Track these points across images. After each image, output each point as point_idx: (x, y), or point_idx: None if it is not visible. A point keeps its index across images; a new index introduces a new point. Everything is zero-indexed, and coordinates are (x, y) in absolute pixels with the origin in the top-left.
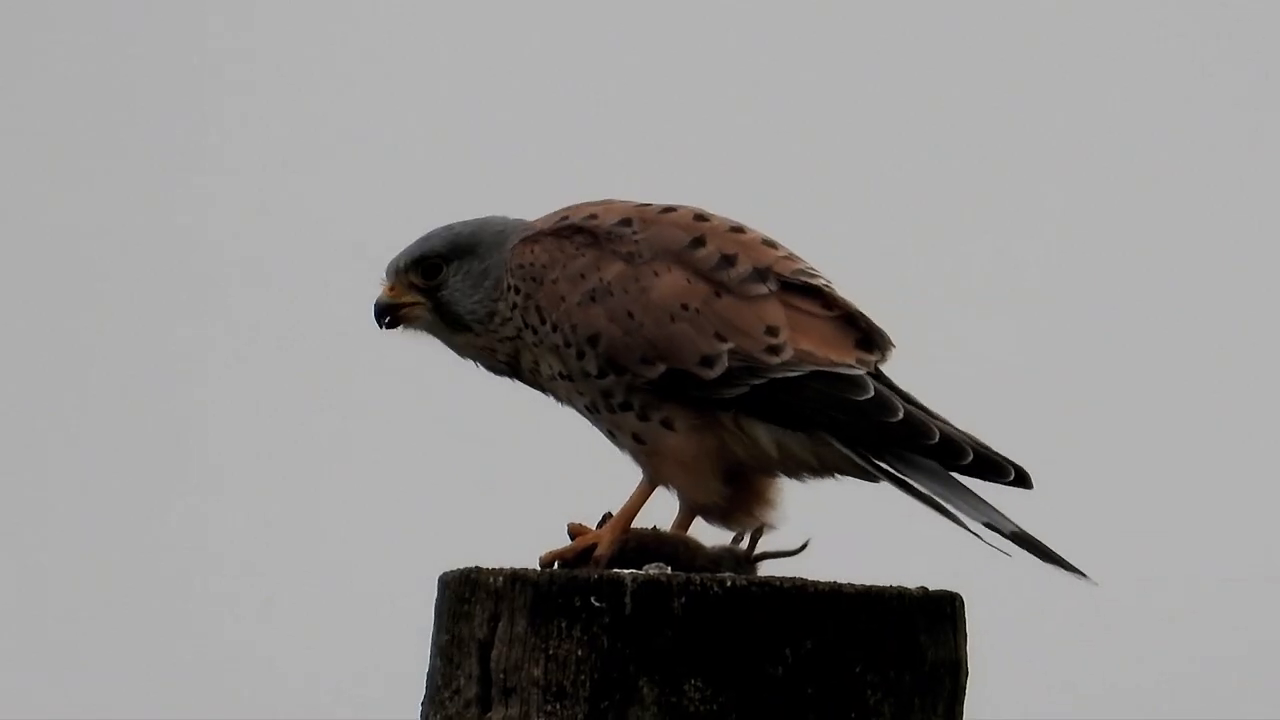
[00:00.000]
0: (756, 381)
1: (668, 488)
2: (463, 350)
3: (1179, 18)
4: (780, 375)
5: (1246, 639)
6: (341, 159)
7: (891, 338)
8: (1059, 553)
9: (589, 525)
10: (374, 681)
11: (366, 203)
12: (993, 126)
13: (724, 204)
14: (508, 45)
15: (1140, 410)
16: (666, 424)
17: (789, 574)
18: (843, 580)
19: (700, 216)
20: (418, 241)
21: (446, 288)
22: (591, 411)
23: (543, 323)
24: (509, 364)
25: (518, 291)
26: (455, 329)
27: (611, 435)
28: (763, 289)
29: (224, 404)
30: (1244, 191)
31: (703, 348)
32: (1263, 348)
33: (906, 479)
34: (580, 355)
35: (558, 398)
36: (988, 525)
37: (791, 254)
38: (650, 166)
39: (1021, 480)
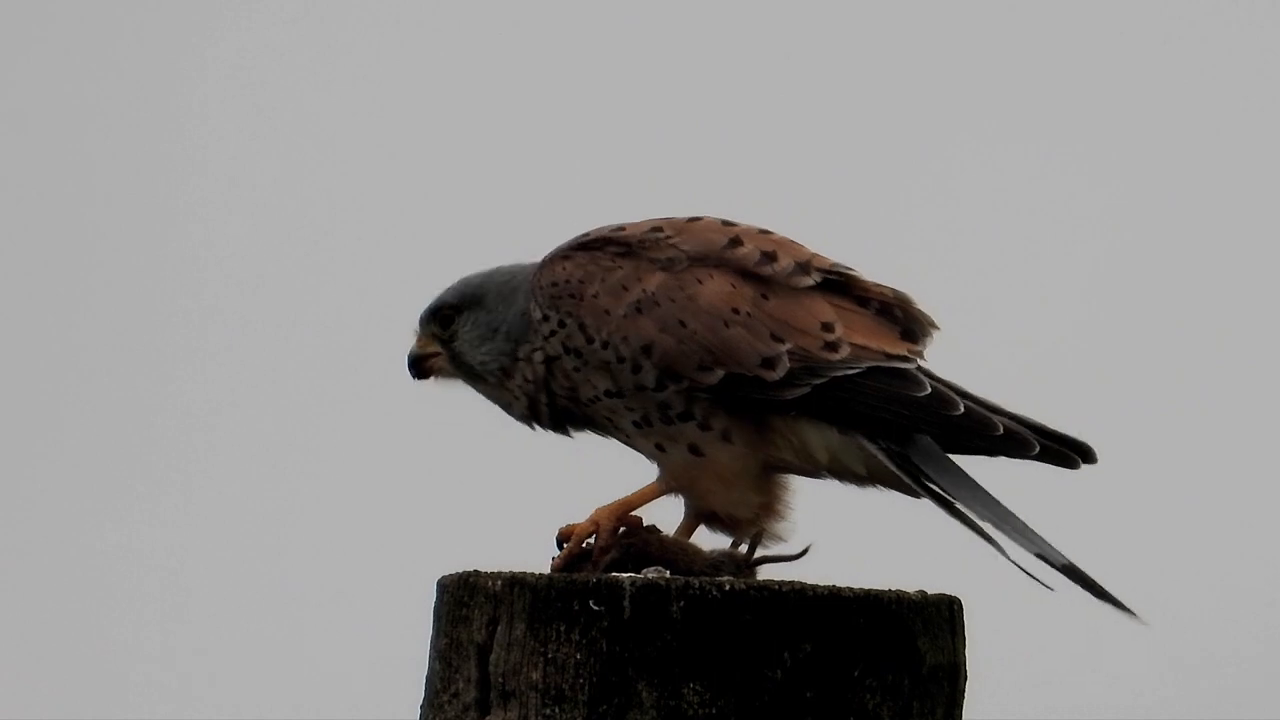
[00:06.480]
0: (818, 381)
1: (696, 499)
2: (488, 397)
3: None
4: (840, 373)
5: (1246, 638)
6: (342, 168)
7: (934, 319)
8: (1109, 590)
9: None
10: (373, 684)
11: (368, 209)
12: (1003, 112)
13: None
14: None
15: (1150, 409)
16: (725, 435)
17: (788, 578)
18: (841, 584)
19: (727, 222)
20: (441, 292)
21: (458, 339)
22: (641, 426)
23: (589, 341)
24: (527, 417)
25: (555, 313)
26: (472, 378)
27: (660, 448)
28: (809, 280)
29: (224, 407)
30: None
31: (761, 350)
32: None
33: (953, 501)
34: (636, 369)
35: (595, 423)
36: (1039, 556)
37: (818, 253)
38: (632, 191)
39: (1085, 458)
